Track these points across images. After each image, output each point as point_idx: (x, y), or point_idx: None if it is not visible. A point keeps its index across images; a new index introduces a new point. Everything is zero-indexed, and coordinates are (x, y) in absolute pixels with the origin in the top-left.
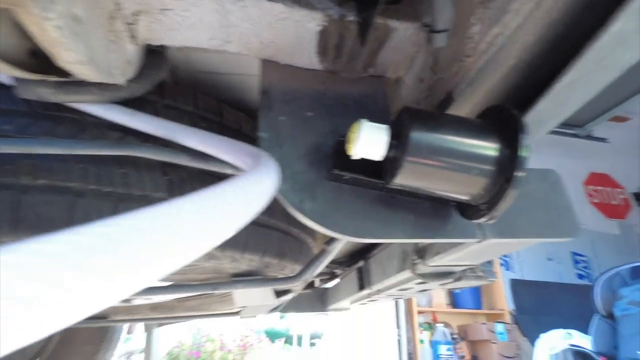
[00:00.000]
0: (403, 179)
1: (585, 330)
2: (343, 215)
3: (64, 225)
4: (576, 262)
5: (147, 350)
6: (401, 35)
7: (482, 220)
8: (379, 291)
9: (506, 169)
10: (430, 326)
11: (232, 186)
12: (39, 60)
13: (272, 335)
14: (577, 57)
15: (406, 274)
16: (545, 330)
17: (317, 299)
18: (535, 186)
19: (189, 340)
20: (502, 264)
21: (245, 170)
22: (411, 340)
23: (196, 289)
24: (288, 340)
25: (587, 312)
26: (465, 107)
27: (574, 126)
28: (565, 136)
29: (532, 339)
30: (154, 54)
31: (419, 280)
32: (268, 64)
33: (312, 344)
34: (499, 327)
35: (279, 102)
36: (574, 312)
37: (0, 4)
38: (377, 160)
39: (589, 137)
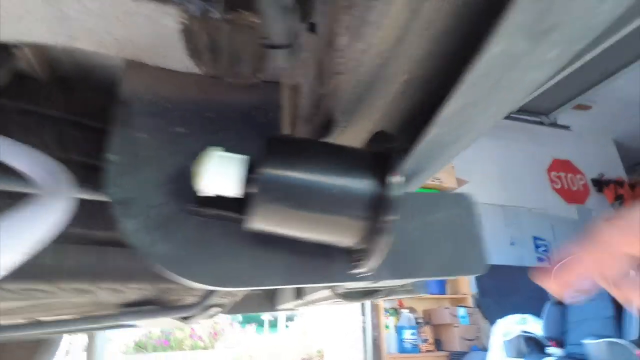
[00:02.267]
0: (260, 223)
1: (540, 314)
2: (206, 259)
3: None
4: (537, 246)
5: (90, 350)
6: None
7: (359, 270)
8: (313, 302)
9: (378, 212)
10: (396, 311)
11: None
12: None
13: (245, 320)
14: (460, 80)
15: (328, 292)
16: (505, 313)
17: (266, 299)
18: (444, 214)
19: (157, 329)
20: None
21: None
22: (376, 326)
23: (69, 325)
24: (260, 324)
25: (544, 295)
26: (360, 131)
27: (539, 114)
28: (531, 123)
29: (493, 322)
30: None
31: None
32: (134, 66)
33: (286, 326)
34: (461, 311)
35: (142, 115)
36: (533, 294)
37: None
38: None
39: (553, 125)
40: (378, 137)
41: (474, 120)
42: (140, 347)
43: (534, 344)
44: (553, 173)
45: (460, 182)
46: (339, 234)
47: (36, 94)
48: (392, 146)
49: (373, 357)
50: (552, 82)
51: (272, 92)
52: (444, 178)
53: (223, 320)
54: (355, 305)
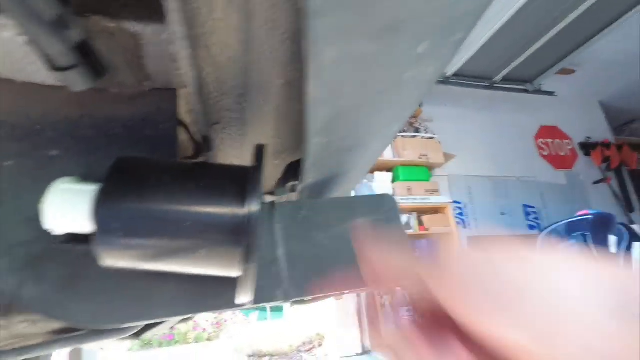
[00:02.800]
0: (111, 262)
1: None
2: (82, 297)
3: None
4: (527, 214)
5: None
6: (157, 41)
7: (237, 302)
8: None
9: (243, 239)
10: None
11: None
12: None
13: (245, 310)
14: (306, 87)
15: None
16: None
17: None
18: (367, 219)
19: None
20: (458, 223)
21: None
22: (371, 306)
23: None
24: (262, 311)
25: None
26: (257, 141)
27: (524, 81)
28: (516, 92)
29: None
30: None
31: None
32: None
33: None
34: None
35: (6, 141)
36: None
37: None
38: None
39: (538, 92)
40: (255, 152)
41: (370, 124)
42: (145, 343)
43: None
44: (540, 140)
45: (448, 156)
46: (210, 266)
47: None
48: (255, 161)
49: (370, 337)
50: (534, 48)
51: (165, 101)
52: (431, 154)
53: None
54: None
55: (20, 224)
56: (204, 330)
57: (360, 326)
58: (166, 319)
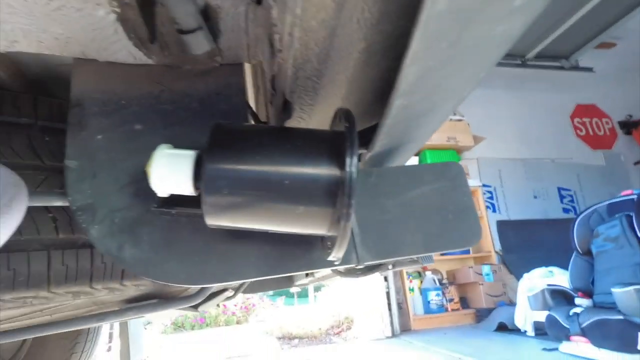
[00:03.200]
0: (215, 221)
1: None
2: (176, 258)
3: None
4: (562, 197)
5: (123, 335)
6: (232, 14)
7: (331, 258)
8: (323, 277)
9: (339, 197)
10: (419, 274)
11: None
12: None
13: (275, 294)
14: (409, 45)
15: (329, 270)
16: (531, 267)
17: (284, 277)
18: (427, 188)
19: None
20: (488, 207)
21: None
22: (400, 290)
23: (75, 323)
24: (289, 297)
25: (570, 246)
26: (327, 111)
27: (559, 58)
28: (550, 69)
29: (519, 277)
30: None
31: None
32: (82, 64)
33: (315, 297)
34: (486, 269)
35: (97, 116)
36: (558, 247)
37: None
38: None
39: (575, 68)
40: (337, 116)
41: (448, 85)
42: (178, 326)
43: (562, 296)
44: (576, 120)
45: (477, 139)
46: (302, 225)
47: (3, 104)
48: (348, 125)
49: (400, 320)
50: (571, 21)
51: (234, 75)
52: (459, 137)
53: (253, 295)
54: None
55: (115, 192)
56: (234, 314)
57: (390, 309)
58: (252, 279)
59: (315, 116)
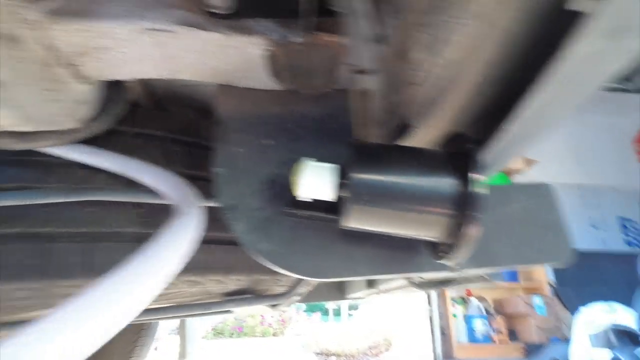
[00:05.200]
0: (353, 223)
1: (631, 303)
2: (301, 254)
3: (38, 272)
4: (624, 227)
5: (182, 332)
6: (357, 49)
7: (444, 262)
8: (386, 291)
9: (462, 208)
10: (463, 300)
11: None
12: None
13: (310, 308)
14: (540, 81)
15: (402, 281)
16: (587, 301)
17: (336, 288)
18: (522, 205)
19: (231, 316)
20: None
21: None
22: (444, 315)
23: (185, 310)
24: (324, 312)
25: (633, 282)
26: (430, 132)
27: (622, 80)
28: (611, 91)
29: (574, 311)
30: (115, 86)
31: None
32: (224, 89)
33: (350, 315)
34: (537, 300)
35: (237, 132)
36: (619, 282)
37: None
38: None
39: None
40: (455, 138)
41: (551, 114)
42: (218, 332)
43: (627, 336)
44: None
45: (530, 162)
46: (424, 230)
47: (142, 118)
48: (472, 146)
49: (442, 347)
50: None
51: (342, 100)
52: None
53: (289, 308)
54: (421, 294)
55: (252, 195)
56: (270, 325)
57: (432, 334)
58: (365, 277)
59: (419, 136)
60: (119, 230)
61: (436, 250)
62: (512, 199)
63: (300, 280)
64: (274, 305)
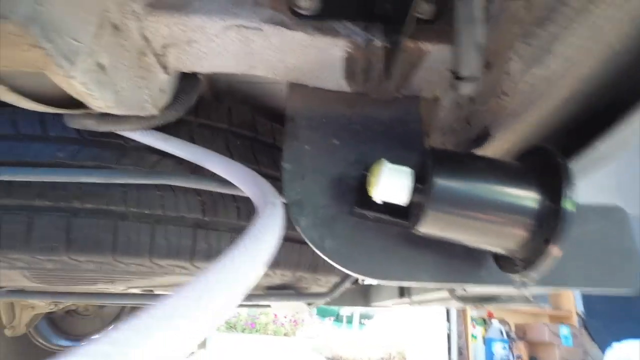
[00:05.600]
0: (427, 228)
1: None
2: (363, 254)
3: (108, 247)
4: None
5: None
6: (436, 57)
7: (516, 277)
8: (420, 302)
9: (547, 224)
10: (484, 321)
11: (233, 259)
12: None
13: (322, 313)
14: None
15: (443, 293)
16: (618, 339)
17: (360, 295)
18: (594, 227)
19: (245, 311)
20: None
21: (256, 205)
22: (462, 335)
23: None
24: (338, 318)
25: None
26: (504, 144)
27: None
28: None
29: (603, 347)
30: (188, 78)
31: (459, 302)
32: (295, 88)
33: (361, 324)
34: (564, 330)
35: (305, 129)
36: None
37: (30, 68)
38: None
39: None
40: (536, 151)
41: (634, 135)
42: (230, 326)
43: None
44: None
45: None
46: (500, 242)
47: (205, 110)
48: (561, 162)
49: None
50: None
51: (412, 106)
52: None
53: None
54: (440, 310)
55: (318, 192)
56: (282, 325)
57: (449, 353)
58: (424, 283)
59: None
60: (184, 215)
61: (508, 264)
62: (587, 219)
63: (342, 282)
64: (310, 304)
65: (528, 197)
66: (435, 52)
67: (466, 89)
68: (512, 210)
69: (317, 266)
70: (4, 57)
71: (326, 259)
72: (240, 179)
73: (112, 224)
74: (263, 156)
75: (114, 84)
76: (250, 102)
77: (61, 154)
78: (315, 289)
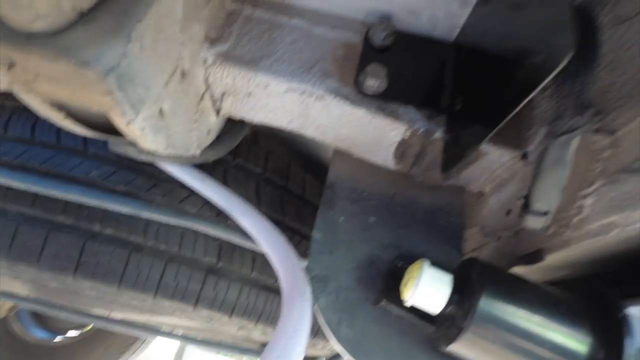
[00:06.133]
0: (459, 348)
1: None
2: (379, 352)
3: (115, 278)
4: None
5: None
6: (493, 159)
7: None
8: None
9: None
10: None
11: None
12: None
13: None
14: None
15: None
16: None
17: None
18: None
19: None
20: None
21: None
22: None
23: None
24: None
25: None
26: (553, 264)
27: None
28: None
29: None
30: (234, 121)
31: None
32: (340, 155)
33: None
34: None
35: (343, 200)
36: None
37: (94, 107)
38: None
39: None
40: (592, 288)
41: None
42: None
43: None
44: None
45: None
46: None
47: (243, 150)
48: (619, 310)
49: None
50: None
51: (456, 197)
52: None
53: None
54: None
55: (345, 271)
56: None
57: None
58: None
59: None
60: (198, 258)
61: None
62: None
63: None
64: None
65: (578, 341)
66: (494, 155)
67: (535, 223)
68: (558, 350)
69: (317, 331)
70: (73, 94)
71: (337, 346)
72: (271, 245)
73: (126, 254)
74: (291, 207)
75: (168, 128)
76: (287, 144)
77: (95, 173)
78: (311, 352)
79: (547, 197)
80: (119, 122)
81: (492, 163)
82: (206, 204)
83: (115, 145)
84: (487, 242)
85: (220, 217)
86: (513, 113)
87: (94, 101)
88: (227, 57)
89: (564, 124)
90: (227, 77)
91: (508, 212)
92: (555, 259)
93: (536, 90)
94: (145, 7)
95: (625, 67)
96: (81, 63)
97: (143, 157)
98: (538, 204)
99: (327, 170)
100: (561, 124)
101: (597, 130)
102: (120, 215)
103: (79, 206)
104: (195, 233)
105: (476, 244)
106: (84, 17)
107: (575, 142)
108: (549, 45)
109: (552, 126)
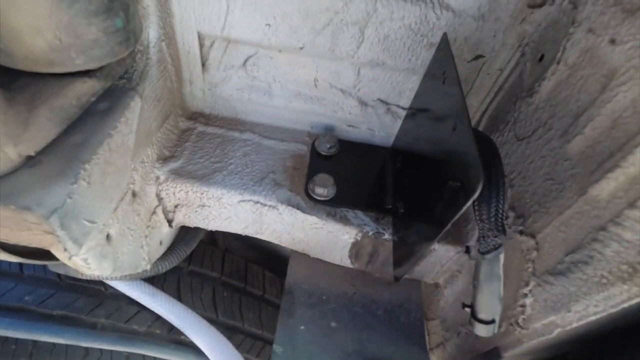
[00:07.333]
0: None
1: None
2: None
3: None
4: None
5: None
6: (441, 254)
7: None
8: None
9: None
10: None
11: None
12: None
13: None
14: None
15: None
16: None
17: None
18: None
19: None
20: None
21: None
22: None
23: None
24: None
25: None
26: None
27: None
28: None
29: None
30: (191, 229)
31: None
32: (298, 256)
33: None
34: None
35: (302, 306)
36: None
37: (34, 246)
38: None
39: None
40: None
41: None
42: None
43: None
44: None
45: None
46: None
47: (202, 256)
48: None
49: None
50: None
51: (414, 290)
52: None
53: None
54: None
55: None
56: None
57: None
58: None
59: None
60: None
61: None
62: None
63: None
64: None
65: None
66: (439, 250)
67: (484, 331)
68: None
69: None
70: (12, 235)
71: None
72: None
73: None
74: (249, 312)
75: (115, 252)
76: (243, 239)
77: (28, 298)
78: None
79: (489, 308)
80: (61, 257)
81: (441, 257)
82: (157, 319)
83: (56, 267)
84: (450, 337)
85: (172, 332)
86: (447, 228)
87: (34, 240)
88: (179, 174)
89: (488, 244)
90: (179, 192)
91: (463, 306)
92: (514, 354)
93: (459, 213)
94: (94, 147)
95: (532, 178)
96: (22, 207)
97: (87, 275)
98: (482, 314)
99: (286, 261)
100: (485, 244)
101: (521, 233)
102: (55, 345)
103: (6, 339)
104: (143, 356)
105: (440, 338)
106: (30, 161)
107: (502, 257)
108: (464, 174)
109: (479, 244)
